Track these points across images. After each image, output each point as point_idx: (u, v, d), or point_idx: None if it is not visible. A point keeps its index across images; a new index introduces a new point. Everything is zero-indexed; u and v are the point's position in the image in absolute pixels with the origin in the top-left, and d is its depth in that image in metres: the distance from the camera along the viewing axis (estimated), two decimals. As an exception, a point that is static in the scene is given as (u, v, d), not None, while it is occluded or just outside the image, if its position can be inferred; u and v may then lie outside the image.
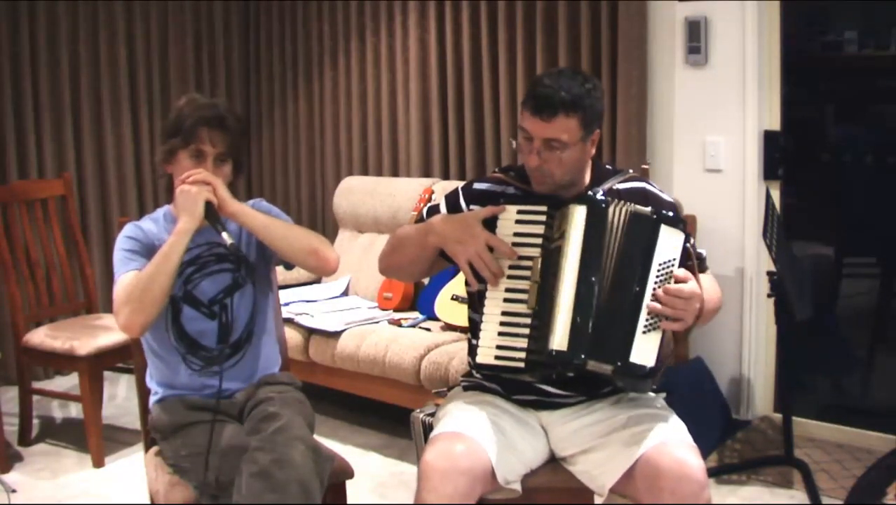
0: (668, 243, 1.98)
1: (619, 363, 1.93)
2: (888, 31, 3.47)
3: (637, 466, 1.93)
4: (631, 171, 2.26)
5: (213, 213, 2.18)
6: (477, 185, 2.24)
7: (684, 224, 2.02)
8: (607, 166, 2.26)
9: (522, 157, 2.10)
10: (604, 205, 1.99)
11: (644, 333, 1.94)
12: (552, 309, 1.95)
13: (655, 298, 1.95)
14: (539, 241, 2.04)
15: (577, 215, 1.98)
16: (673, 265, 1.98)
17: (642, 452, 1.94)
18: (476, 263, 2.03)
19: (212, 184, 2.18)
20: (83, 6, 4.61)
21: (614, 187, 2.16)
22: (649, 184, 2.23)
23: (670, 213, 2.01)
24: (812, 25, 3.66)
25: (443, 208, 2.26)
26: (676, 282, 1.97)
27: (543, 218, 2.05)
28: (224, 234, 2.15)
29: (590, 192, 2.07)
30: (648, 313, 1.95)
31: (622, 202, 2.01)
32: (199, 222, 2.17)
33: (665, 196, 2.21)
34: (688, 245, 2.03)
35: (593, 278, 1.95)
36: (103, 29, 4.70)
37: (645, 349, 1.94)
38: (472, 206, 2.19)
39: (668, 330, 1.99)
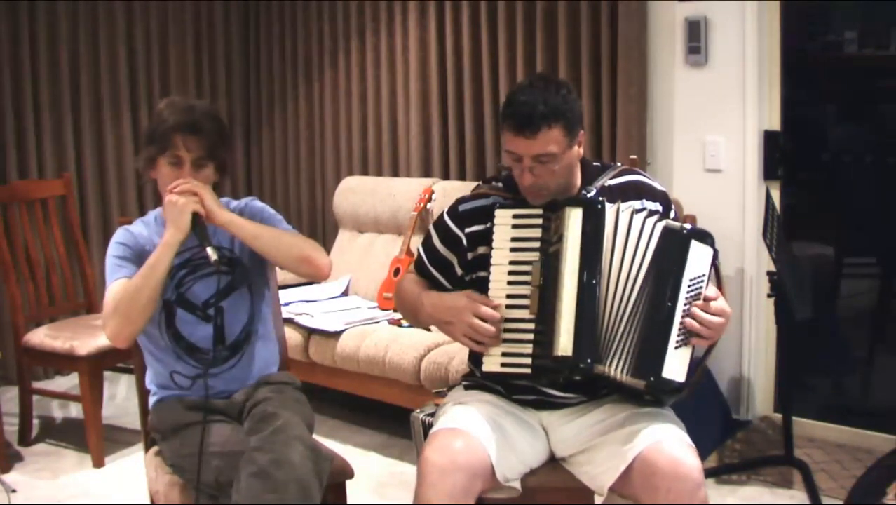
0: (699, 259, 1.98)
1: (651, 378, 1.93)
2: (888, 31, 3.47)
3: (634, 465, 1.93)
4: (619, 164, 2.25)
5: (200, 226, 2.16)
6: (463, 207, 2.21)
7: (712, 239, 2.01)
8: (595, 163, 2.24)
9: (515, 176, 2.08)
10: (599, 206, 1.99)
11: (675, 348, 1.95)
12: (554, 314, 1.95)
13: (689, 315, 1.95)
14: (537, 244, 2.03)
15: (574, 218, 1.98)
16: (702, 281, 1.98)
17: (639, 451, 1.93)
18: (470, 335, 2.04)
19: (199, 194, 2.16)
20: (83, 6, 4.61)
21: (606, 185, 2.15)
22: (640, 174, 2.21)
23: (701, 229, 2.01)
24: (812, 25, 3.66)
25: (434, 238, 2.24)
26: (706, 300, 1.97)
27: (540, 221, 2.04)
28: (209, 250, 2.13)
29: (584, 193, 2.07)
30: (680, 330, 1.95)
31: (642, 211, 2.02)
32: (186, 234, 2.15)
33: (657, 185, 2.20)
34: (716, 262, 2.03)
35: (594, 281, 1.95)
36: (103, 29, 4.70)
37: (676, 365, 1.94)
38: (465, 230, 2.17)
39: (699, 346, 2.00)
